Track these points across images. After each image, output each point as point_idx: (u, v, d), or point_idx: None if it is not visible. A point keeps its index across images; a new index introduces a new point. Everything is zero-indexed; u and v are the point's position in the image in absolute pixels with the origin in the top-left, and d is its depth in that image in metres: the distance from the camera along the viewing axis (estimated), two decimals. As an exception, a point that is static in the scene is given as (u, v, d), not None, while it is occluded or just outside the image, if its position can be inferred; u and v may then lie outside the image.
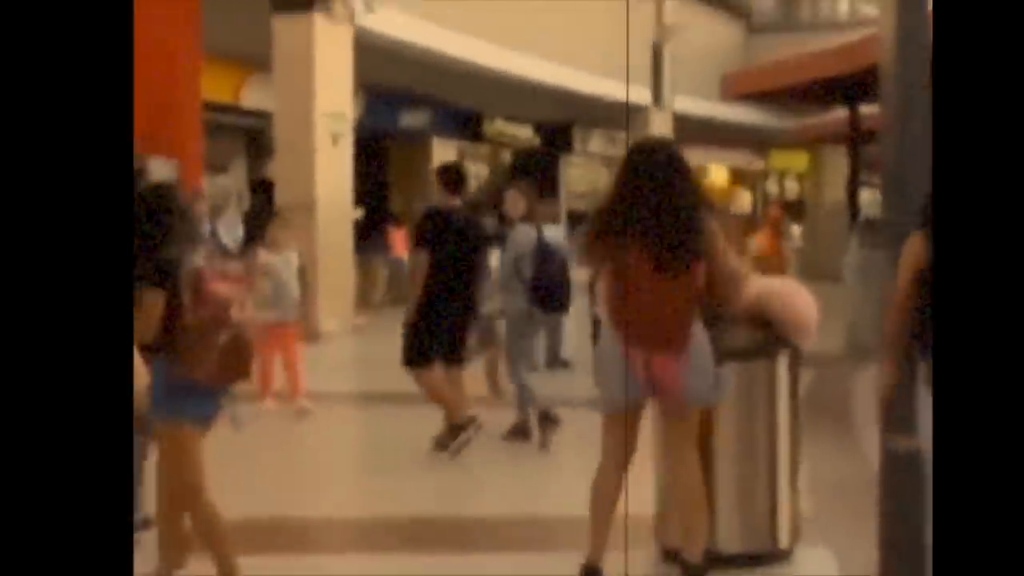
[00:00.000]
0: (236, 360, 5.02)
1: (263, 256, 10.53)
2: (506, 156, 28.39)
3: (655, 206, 5.36)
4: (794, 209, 31.86)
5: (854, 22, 29.81)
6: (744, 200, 34.31)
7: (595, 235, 5.51)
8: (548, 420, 9.07)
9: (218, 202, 17.62)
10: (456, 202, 8.98)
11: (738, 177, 37.18)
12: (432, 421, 8.96)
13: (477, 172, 27.15)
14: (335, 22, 16.73)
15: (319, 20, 16.41)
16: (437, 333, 8.80)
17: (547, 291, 8.98)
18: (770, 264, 13.20)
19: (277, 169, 17.07)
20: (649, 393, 5.47)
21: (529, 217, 9.31)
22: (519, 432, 9.32)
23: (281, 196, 16.40)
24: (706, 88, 28.26)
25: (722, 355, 5.62)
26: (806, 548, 6.03)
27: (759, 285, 6.00)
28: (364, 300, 19.99)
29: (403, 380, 9.07)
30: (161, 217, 5.25)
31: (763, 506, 5.92)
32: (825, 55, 15.86)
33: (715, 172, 36.10)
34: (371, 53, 17.62)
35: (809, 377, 5.97)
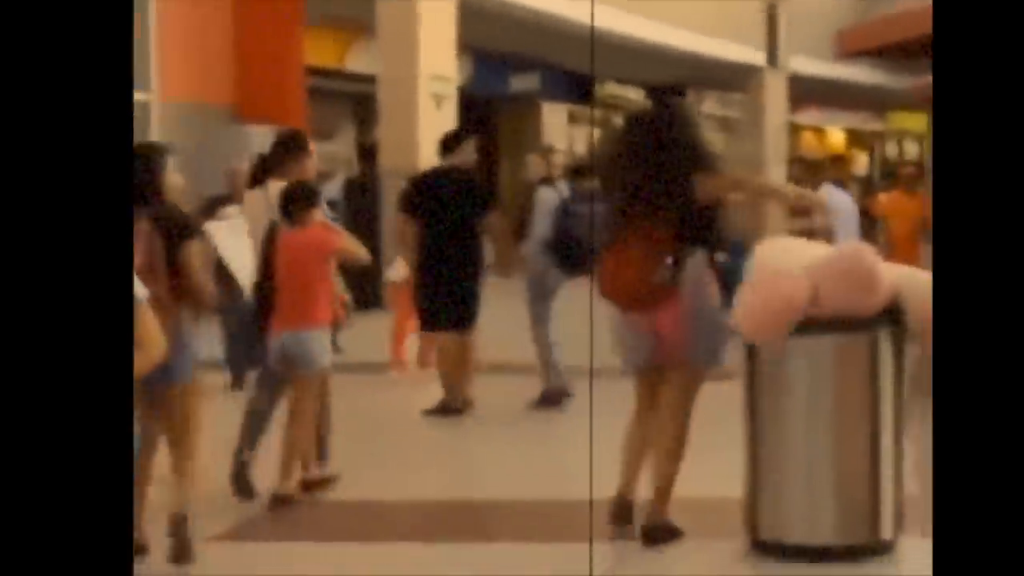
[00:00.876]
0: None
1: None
2: (616, 119, 27.70)
3: (623, 168, 5.59)
4: (917, 171, 30.81)
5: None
6: (860, 162, 33.35)
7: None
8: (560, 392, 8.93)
9: (325, 168, 17.34)
10: (449, 164, 8.72)
11: (855, 139, 36.06)
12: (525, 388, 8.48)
13: (589, 135, 26.71)
14: (439, -16, 16.27)
15: (423, -18, 15.95)
16: (442, 298, 8.59)
17: (567, 252, 8.68)
18: (901, 224, 12.37)
19: (381, 133, 16.69)
20: (662, 354, 5.53)
21: (549, 180, 9.14)
22: (549, 400, 8.96)
23: (385, 160, 16.02)
24: (823, 48, 27.34)
25: (820, 327, 5.18)
26: (909, 539, 5.37)
27: (899, 275, 5.38)
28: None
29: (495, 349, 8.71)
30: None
31: (863, 494, 5.28)
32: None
33: (831, 134, 35.05)
34: (480, 16, 17.14)
35: (917, 350, 5.35)
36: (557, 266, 8.77)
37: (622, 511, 5.61)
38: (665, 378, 5.60)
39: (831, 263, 5.26)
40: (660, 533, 5.49)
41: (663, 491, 5.52)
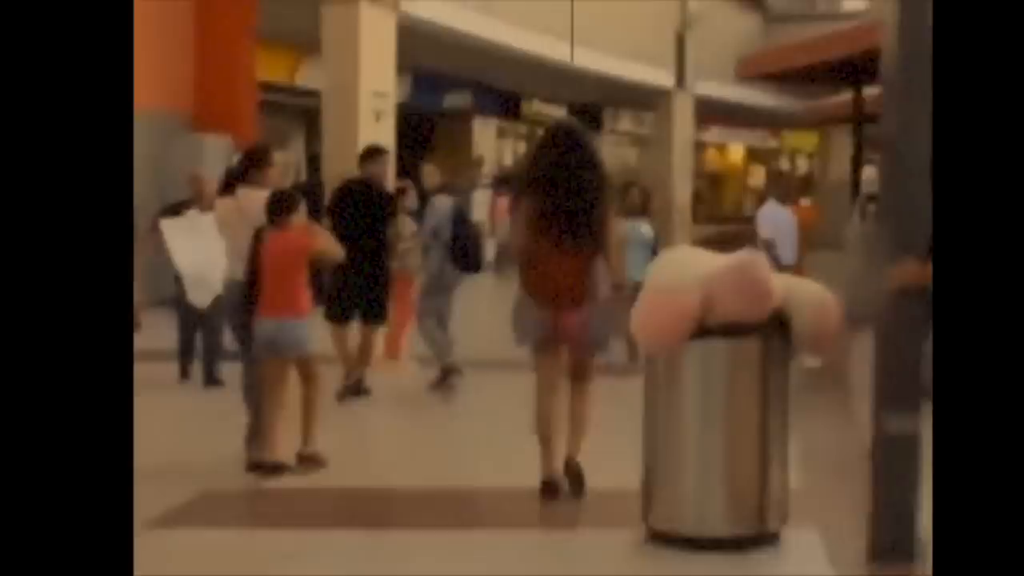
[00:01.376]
0: None
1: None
2: (540, 134, 27.62)
3: (565, 196, 5.65)
4: (803, 184, 31.43)
5: (869, 13, 28.69)
6: (759, 175, 33.61)
7: (518, 199, 5.85)
8: (452, 371, 9.03)
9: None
10: (364, 173, 8.83)
11: (754, 154, 36.32)
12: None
13: (515, 148, 26.71)
14: (380, 8, 16.02)
15: (365, 6, 15.70)
16: (352, 294, 8.61)
17: (463, 252, 8.95)
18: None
19: (324, 144, 16.45)
20: (557, 338, 5.80)
21: (445, 188, 9.45)
22: (443, 380, 9.08)
23: (328, 169, 15.77)
24: (726, 73, 27.41)
25: (713, 332, 5.07)
26: (793, 530, 5.26)
27: (786, 286, 5.26)
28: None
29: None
30: None
31: (752, 488, 5.13)
32: (831, 38, 15.34)
33: (732, 150, 35.25)
34: (419, 38, 16.95)
35: (806, 356, 5.27)
36: (453, 265, 8.97)
37: (552, 487, 5.77)
38: (569, 368, 5.92)
39: (723, 274, 5.12)
40: (581, 482, 5.77)
41: (579, 445, 5.86)
